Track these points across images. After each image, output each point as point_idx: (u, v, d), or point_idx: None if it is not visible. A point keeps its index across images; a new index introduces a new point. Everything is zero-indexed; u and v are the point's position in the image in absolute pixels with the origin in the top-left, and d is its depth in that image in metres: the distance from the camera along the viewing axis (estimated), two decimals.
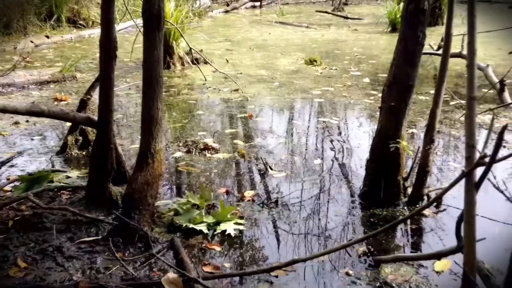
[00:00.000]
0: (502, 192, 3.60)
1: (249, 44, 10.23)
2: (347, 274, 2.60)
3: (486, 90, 5.29)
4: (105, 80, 3.10)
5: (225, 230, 2.95)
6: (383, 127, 3.44)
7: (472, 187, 1.94)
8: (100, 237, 2.86)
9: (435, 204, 3.40)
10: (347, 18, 14.81)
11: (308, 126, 5.17)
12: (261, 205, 3.36)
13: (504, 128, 1.79)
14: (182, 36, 6.56)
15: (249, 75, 7.41)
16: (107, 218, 3.04)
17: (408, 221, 3.20)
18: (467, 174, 1.93)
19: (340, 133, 4.94)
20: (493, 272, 2.46)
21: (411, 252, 2.89)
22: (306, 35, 11.68)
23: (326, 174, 3.90)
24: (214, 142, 4.44)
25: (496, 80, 5.67)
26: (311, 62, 8.02)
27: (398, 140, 3.35)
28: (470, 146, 1.96)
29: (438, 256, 2.40)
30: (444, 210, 3.36)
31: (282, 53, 9.23)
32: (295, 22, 13.82)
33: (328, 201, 3.46)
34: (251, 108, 5.71)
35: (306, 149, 4.47)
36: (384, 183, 3.43)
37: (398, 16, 10.62)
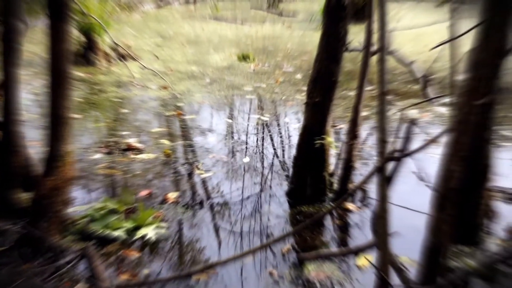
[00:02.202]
0: (425, 182, 3.69)
1: (181, 40, 10.01)
2: (271, 273, 2.55)
3: (410, 86, 5.45)
4: (9, 75, 2.84)
5: (146, 235, 2.81)
6: (309, 124, 3.42)
7: (384, 182, 1.93)
8: (6, 247, 2.62)
9: (360, 199, 3.45)
10: (281, 15, 14.91)
11: (239, 124, 5.09)
12: (185, 206, 3.24)
13: (411, 123, 1.79)
14: (106, 31, 6.25)
15: (179, 71, 7.23)
16: (14, 227, 2.79)
17: (331, 217, 3.20)
18: (379, 169, 1.92)
19: (270, 130, 4.91)
20: (413, 265, 2.51)
21: (339, 248, 2.89)
22: (241, 31, 11.62)
23: (254, 173, 3.84)
24: (139, 142, 4.25)
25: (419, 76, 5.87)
26: (244, 58, 7.96)
27: (323, 136, 3.35)
28: (382, 141, 1.95)
29: (356, 251, 2.40)
30: (368, 204, 3.40)
31: (215, 49, 9.10)
32: (229, 18, 13.73)
33: (255, 200, 3.40)
34: (180, 106, 5.55)
35: (235, 147, 4.40)
36: (310, 180, 3.42)
37: None
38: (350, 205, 3.33)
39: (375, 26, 1.96)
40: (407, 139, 1.79)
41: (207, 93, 6.14)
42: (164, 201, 3.29)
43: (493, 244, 2.85)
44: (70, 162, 2.67)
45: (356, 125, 3.44)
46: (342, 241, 2.98)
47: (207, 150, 4.24)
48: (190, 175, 3.73)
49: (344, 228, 3.12)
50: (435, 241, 1.85)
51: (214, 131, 4.81)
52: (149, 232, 2.84)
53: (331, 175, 3.49)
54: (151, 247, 2.76)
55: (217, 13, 14.65)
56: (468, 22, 2.44)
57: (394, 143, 2.07)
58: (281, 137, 4.71)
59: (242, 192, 3.51)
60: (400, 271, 1.98)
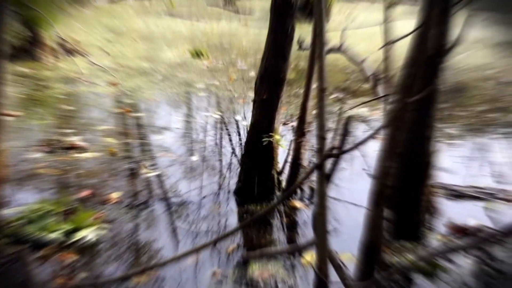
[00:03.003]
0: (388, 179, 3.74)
1: (134, 36, 9.78)
2: (214, 274, 2.50)
3: (361, 84, 5.54)
4: None
5: (85, 237, 2.70)
6: (256, 121, 3.39)
7: (323, 179, 1.92)
8: None
9: (309, 196, 3.45)
10: (238, 12, 14.85)
11: (189, 121, 5.01)
12: (129, 206, 3.14)
13: (348, 120, 1.79)
14: (52, 25, 6.00)
15: (130, 68, 7.05)
16: None
17: (279, 215, 3.19)
18: (317, 166, 1.91)
19: (221, 128, 4.86)
20: (355, 261, 2.52)
21: (283, 246, 2.88)
22: (196, 28, 11.48)
23: (202, 171, 3.78)
24: (83, 141, 4.09)
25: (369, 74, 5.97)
26: (198, 55, 7.86)
27: (271, 133, 3.33)
28: (321, 138, 1.94)
29: (298, 249, 2.39)
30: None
31: (169, 45, 8.95)
32: (185, 14, 13.54)
33: (202, 199, 3.34)
34: (129, 103, 5.40)
35: (184, 146, 4.32)
36: (258, 178, 3.39)
37: None
38: (297, 203, 3.33)
39: (324, 24, 1.95)
40: (345, 136, 1.79)
41: (158, 90, 6.02)
42: (106, 201, 3.18)
43: (434, 240, 2.92)
44: (2, 162, 2.52)
45: (304, 123, 3.45)
46: (290, 239, 2.97)
47: (155, 149, 4.14)
48: (136, 174, 3.63)
49: (291, 226, 3.12)
50: (371, 237, 1.86)
51: (163, 129, 4.71)
52: (89, 234, 2.73)
53: (280, 173, 3.48)
54: (90, 249, 2.65)
55: (172, 9, 14.42)
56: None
57: (334, 140, 2.08)
58: (230, 134, 4.67)
59: (188, 190, 3.44)
60: (339, 268, 1.99)
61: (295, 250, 2.44)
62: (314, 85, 3.43)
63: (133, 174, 3.62)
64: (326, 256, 1.85)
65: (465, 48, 9.12)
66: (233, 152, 4.21)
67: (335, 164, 1.85)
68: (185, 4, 16.03)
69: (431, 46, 2.69)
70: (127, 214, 3.03)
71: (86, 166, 3.69)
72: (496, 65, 8.04)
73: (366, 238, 1.89)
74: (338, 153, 1.84)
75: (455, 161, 4.17)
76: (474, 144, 4.69)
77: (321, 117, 1.96)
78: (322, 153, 1.92)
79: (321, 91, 1.97)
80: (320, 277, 1.78)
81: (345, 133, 1.78)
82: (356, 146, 1.88)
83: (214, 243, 2.50)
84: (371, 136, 1.86)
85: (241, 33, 11.02)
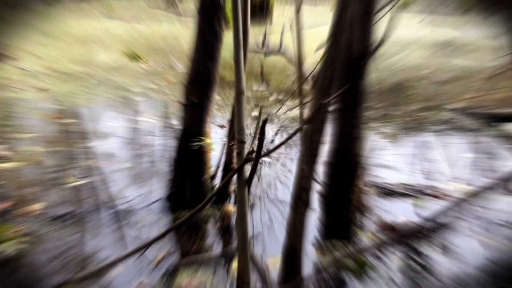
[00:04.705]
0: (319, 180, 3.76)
1: (70, 39, 9.42)
2: (141, 283, 2.42)
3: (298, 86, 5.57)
4: None
5: (3, 252, 2.53)
6: (187, 125, 3.32)
7: (243, 184, 1.89)
8: None
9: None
10: (180, 14, 14.67)
11: (123, 127, 4.85)
12: (52, 218, 2.98)
13: (265, 122, 1.77)
14: None
15: (63, 72, 6.76)
16: None
17: (213, 221, 3.14)
18: (236, 171, 1.87)
19: (156, 133, 4.74)
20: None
21: (218, 251, 2.83)
22: (136, 30, 11.22)
23: (134, 178, 3.66)
24: (6, 150, 3.86)
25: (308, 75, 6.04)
26: (136, 58, 7.67)
27: (202, 138, 3.27)
28: (239, 141, 1.90)
29: (227, 255, 2.35)
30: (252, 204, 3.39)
31: (106, 49, 8.68)
32: (125, 17, 13.21)
33: (133, 208, 3.23)
34: (60, 109, 5.16)
35: (116, 152, 4.17)
36: (190, 183, 3.32)
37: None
38: (231, 207, 3.29)
39: (240, 26, 1.91)
40: (261, 139, 1.76)
41: (93, 95, 5.80)
42: (28, 213, 3.00)
43: (364, 238, 2.97)
44: None
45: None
46: (225, 244, 2.93)
47: (86, 156, 3.97)
48: (61, 184, 3.45)
49: (225, 231, 3.07)
50: (292, 239, 1.84)
51: (95, 135, 4.53)
52: (7, 248, 2.56)
53: (212, 178, 3.43)
54: (8, 265, 2.49)
55: (111, 11, 14.04)
56: None
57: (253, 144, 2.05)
58: (165, 140, 4.57)
59: (119, 198, 3.32)
60: (263, 273, 1.96)
61: (225, 256, 2.39)
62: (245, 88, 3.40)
63: (59, 183, 3.45)
64: (247, 262, 1.81)
65: (401, 49, 9.47)
66: (167, 157, 4.11)
67: (254, 168, 1.82)
68: (125, 6, 15.67)
69: (355, 47, 2.74)
70: (51, 226, 2.87)
71: (8, 176, 3.47)
72: (430, 65, 8.38)
73: (287, 241, 1.87)
74: (257, 157, 1.81)
75: (388, 159, 4.28)
76: (407, 142, 4.84)
77: (240, 120, 1.92)
78: (242, 157, 1.88)
79: (239, 93, 1.93)
80: (240, 283, 1.74)
81: (262, 135, 1.75)
82: (275, 149, 1.86)
83: (137, 251, 2.40)
84: (289, 138, 1.85)
85: (182, 35, 10.88)
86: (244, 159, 1.87)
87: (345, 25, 1.83)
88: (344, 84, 2.30)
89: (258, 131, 1.76)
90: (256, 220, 3.16)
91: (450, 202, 3.34)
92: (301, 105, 1.73)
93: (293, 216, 1.85)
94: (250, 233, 2.96)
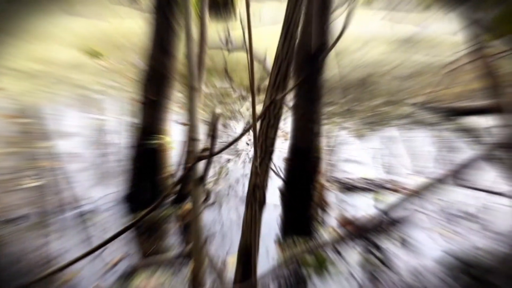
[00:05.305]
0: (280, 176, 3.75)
1: (27, 36, 9.09)
2: (97, 287, 2.34)
3: (262, 83, 5.55)
4: None
5: None
6: (145, 123, 3.25)
7: (196, 182, 1.84)
8: None
9: (204, 199, 3.37)
10: (144, 11, 14.40)
11: (83, 126, 4.71)
12: (4, 221, 2.85)
13: (217, 119, 1.73)
14: None
15: (20, 71, 6.52)
16: None
17: (174, 221, 3.08)
18: (190, 169, 1.83)
19: (115, 132, 4.61)
20: None
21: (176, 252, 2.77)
22: (97, 27, 10.94)
23: (92, 179, 3.56)
24: None
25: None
26: (96, 55, 7.47)
27: (161, 136, 3.21)
28: (192, 139, 1.86)
29: (183, 255, 2.30)
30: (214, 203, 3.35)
31: (65, 46, 8.42)
32: (86, 13, 12.86)
33: (91, 209, 3.13)
34: (16, 108, 4.97)
35: (75, 153, 4.04)
36: (150, 182, 3.25)
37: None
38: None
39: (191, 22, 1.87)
40: (214, 137, 1.72)
41: (52, 94, 5.62)
42: None
43: (325, 233, 2.98)
44: None
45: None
46: (184, 244, 2.87)
47: (42, 156, 3.83)
48: (16, 185, 3.32)
49: (184, 231, 3.02)
50: (246, 238, 1.82)
51: (52, 134, 4.38)
52: None
53: (172, 176, 3.36)
54: None
55: (72, 8, 13.64)
56: None
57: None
58: (124, 138, 4.46)
59: (74, 199, 3.21)
60: (219, 272, 1.92)
61: (184, 256, 2.35)
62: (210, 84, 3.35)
63: (14, 185, 3.31)
64: (202, 262, 1.77)
65: (363, 45, 9.59)
66: (126, 157, 4.01)
67: (207, 166, 1.78)
68: (87, 3, 15.28)
69: (312, 43, 2.73)
70: (4, 230, 2.75)
71: None
72: (392, 61, 8.51)
73: (242, 239, 1.84)
74: (209, 154, 1.77)
75: (350, 154, 4.31)
76: (369, 137, 4.89)
77: (192, 118, 1.87)
78: (194, 155, 1.83)
79: (192, 90, 1.88)
80: (195, 284, 1.70)
81: (214, 134, 1.71)
82: (227, 147, 1.82)
83: (90, 253, 2.33)
84: (242, 135, 1.82)
85: (144, 32, 10.67)
86: (196, 158, 1.83)
87: (298, 20, 1.81)
88: (303, 79, 2.28)
89: (211, 128, 1.72)
90: (219, 219, 3.12)
91: (409, 196, 3.39)
92: (253, 101, 1.70)
93: (248, 214, 1.82)
94: (210, 231, 2.92)
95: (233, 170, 3.93)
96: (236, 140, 1.85)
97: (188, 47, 1.91)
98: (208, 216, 3.14)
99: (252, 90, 1.65)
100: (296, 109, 2.88)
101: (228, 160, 4.13)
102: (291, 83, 1.95)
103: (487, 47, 2.62)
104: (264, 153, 1.84)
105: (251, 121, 1.90)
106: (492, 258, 2.64)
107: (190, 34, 1.91)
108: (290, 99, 3.02)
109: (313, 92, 2.79)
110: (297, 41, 2.71)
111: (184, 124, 4.77)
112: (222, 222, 3.08)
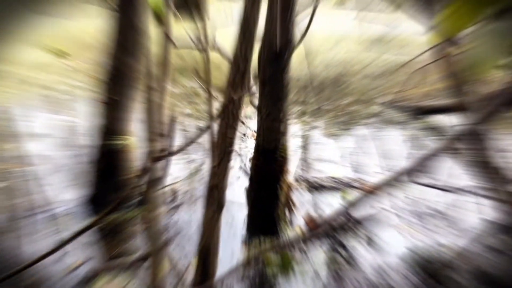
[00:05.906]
0: (246, 176, 3.73)
1: None
2: None
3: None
4: None
5: None
6: (108, 124, 3.18)
7: (153, 183, 1.80)
8: None
9: (170, 201, 3.32)
10: (113, 10, 14.17)
11: (46, 127, 4.59)
12: None
13: (173, 120, 1.69)
14: None
15: None
16: None
17: (139, 224, 3.02)
18: (146, 170, 1.78)
19: (79, 133, 4.50)
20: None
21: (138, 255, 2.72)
22: (64, 26, 10.72)
23: (55, 181, 3.46)
24: None
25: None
26: (62, 55, 7.29)
27: (124, 136, 3.15)
28: (149, 140, 1.81)
29: (139, 260, 2.25)
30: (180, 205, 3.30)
31: (30, 45, 8.20)
32: (54, 12, 12.58)
33: (52, 212, 3.04)
34: None
35: (38, 154, 3.92)
36: (114, 183, 3.19)
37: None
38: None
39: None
40: (171, 136, 1.68)
41: (14, 94, 5.46)
42: None
43: (292, 233, 2.97)
44: None
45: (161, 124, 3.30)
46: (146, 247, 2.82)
47: (3, 159, 3.71)
48: None
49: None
50: (205, 239, 1.78)
51: (15, 136, 4.25)
52: None
53: (138, 177, 3.30)
54: None
55: (39, 6, 13.32)
56: None
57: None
58: (88, 139, 4.36)
59: (37, 202, 3.12)
60: (178, 276, 1.89)
61: (136, 262, 2.30)
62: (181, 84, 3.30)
63: None
64: (158, 265, 1.72)
65: (334, 45, 9.66)
66: (90, 158, 3.93)
67: (165, 167, 1.73)
68: (55, 1, 14.94)
69: (277, 42, 2.71)
70: None
71: None
72: (362, 60, 8.60)
73: (201, 241, 1.81)
74: (166, 155, 1.73)
75: (319, 153, 4.33)
76: (339, 136, 4.91)
77: (149, 118, 1.83)
78: (151, 156, 1.79)
79: (149, 88, 1.84)
80: (153, 286, 1.65)
81: (171, 134, 1.67)
82: (183, 147, 1.79)
83: (46, 256, 2.25)
84: (199, 136, 1.78)
85: (108, 31, 10.49)
86: (152, 158, 1.78)
87: (257, 18, 1.79)
88: (267, 78, 2.26)
89: (168, 129, 1.69)
90: (186, 219, 3.08)
91: (375, 194, 3.41)
92: (210, 101, 1.67)
93: (206, 215, 1.79)
94: (175, 233, 2.88)
95: (206, 170, 3.90)
96: (193, 140, 1.81)
97: (144, 44, 1.87)
98: (174, 218, 3.10)
99: (208, 89, 1.62)
100: (261, 108, 2.85)
101: (201, 161, 4.09)
102: (251, 82, 1.93)
103: (449, 45, 2.66)
104: (223, 154, 1.81)
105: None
106: (454, 254, 2.68)
107: (145, 31, 1.87)
108: (255, 98, 3.00)
109: (278, 91, 2.77)
110: (262, 40, 2.71)
111: (144, 124, 4.71)
112: (189, 223, 3.04)
